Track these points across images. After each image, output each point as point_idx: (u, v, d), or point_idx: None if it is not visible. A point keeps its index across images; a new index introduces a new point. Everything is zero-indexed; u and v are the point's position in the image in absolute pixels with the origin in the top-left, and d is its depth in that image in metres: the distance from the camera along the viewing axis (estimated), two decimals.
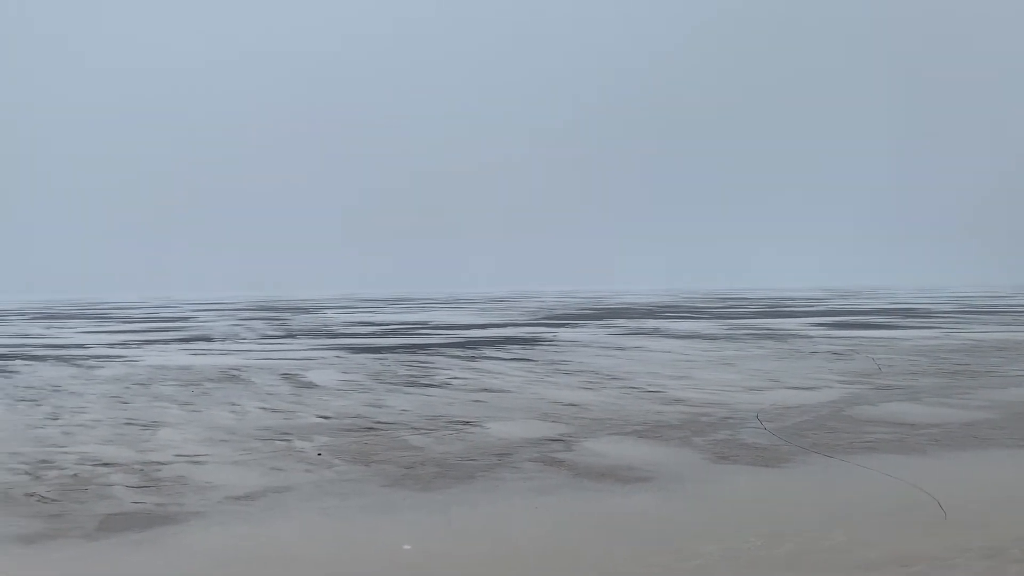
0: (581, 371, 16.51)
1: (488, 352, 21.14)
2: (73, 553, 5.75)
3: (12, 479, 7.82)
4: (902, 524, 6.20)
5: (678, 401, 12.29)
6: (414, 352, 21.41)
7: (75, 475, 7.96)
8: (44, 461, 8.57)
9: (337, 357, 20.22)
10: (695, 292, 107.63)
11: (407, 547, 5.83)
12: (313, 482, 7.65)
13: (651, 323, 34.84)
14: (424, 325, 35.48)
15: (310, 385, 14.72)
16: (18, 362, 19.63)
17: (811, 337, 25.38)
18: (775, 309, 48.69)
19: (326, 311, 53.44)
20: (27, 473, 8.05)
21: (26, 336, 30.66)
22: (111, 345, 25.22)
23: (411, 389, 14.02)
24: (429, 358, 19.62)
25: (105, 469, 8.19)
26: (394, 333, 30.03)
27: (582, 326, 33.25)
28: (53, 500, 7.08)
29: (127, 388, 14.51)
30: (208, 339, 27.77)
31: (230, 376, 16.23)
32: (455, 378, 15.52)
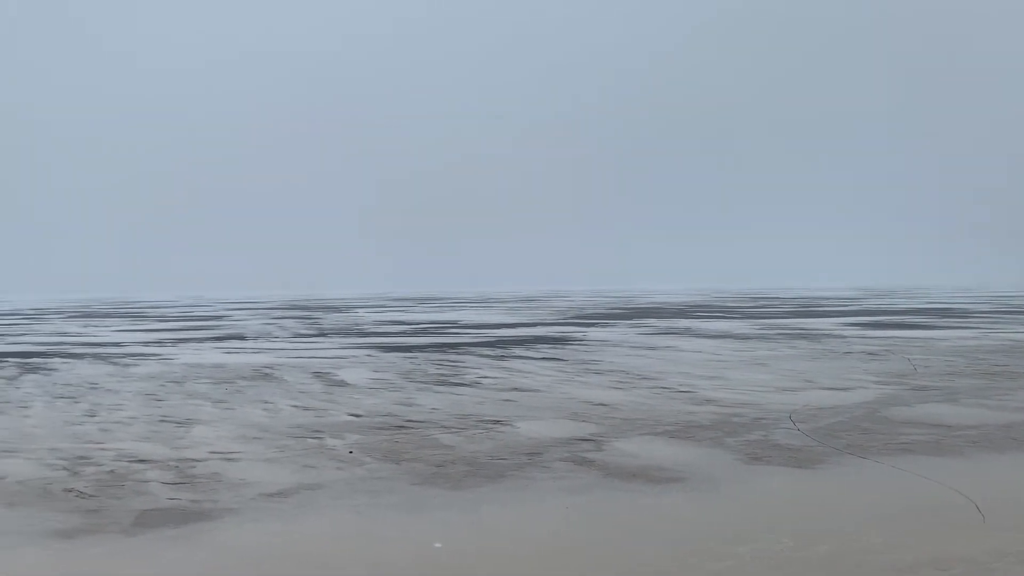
0: (611, 371, 16.46)
1: (518, 351, 21.15)
2: (110, 548, 5.85)
3: (51, 475, 7.97)
4: (938, 527, 6.10)
5: (710, 401, 12.20)
6: (444, 351, 21.48)
7: (112, 471, 8.09)
8: (82, 457, 8.72)
9: (368, 356, 20.35)
10: (726, 291, 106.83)
11: (438, 545, 5.85)
12: (344, 480, 7.71)
13: (682, 323, 34.64)
14: (454, 324, 35.60)
15: (341, 383, 14.83)
16: (56, 360, 20.00)
17: (845, 337, 25.07)
18: (808, 309, 48.16)
19: (357, 310, 53.80)
20: (65, 469, 8.20)
21: (64, 334, 31.23)
22: (146, 343, 25.60)
23: (441, 388, 14.07)
24: (459, 357, 19.68)
25: (141, 466, 8.32)
26: (424, 332, 30.16)
27: (612, 326, 33.14)
28: (91, 496, 7.21)
29: (162, 386, 14.72)
30: (241, 337, 28.09)
31: (263, 374, 16.40)
32: (485, 377, 15.55)
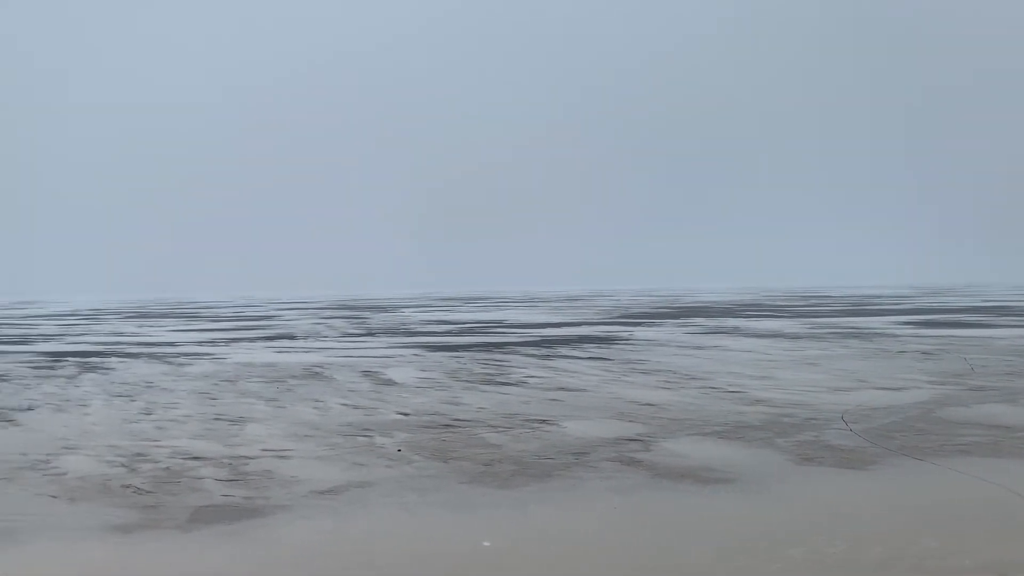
0: (659, 370, 16.35)
1: (563, 351, 21.12)
2: (167, 544, 5.99)
3: (110, 471, 8.19)
4: (997, 530, 5.94)
5: (760, 401, 12.05)
6: (490, 350, 21.55)
7: (168, 468, 8.28)
8: (139, 454, 8.95)
9: (415, 355, 20.51)
10: (775, 290, 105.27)
11: (486, 544, 5.88)
12: (394, 478, 7.78)
13: (731, 322, 34.24)
14: (499, 324, 35.67)
15: (389, 382, 14.97)
16: (114, 359, 20.52)
17: (898, 336, 24.54)
18: (860, 307, 47.24)
19: (403, 310, 54.23)
20: (123, 466, 8.42)
21: (120, 335, 32.02)
22: (200, 343, 26.13)
23: (487, 387, 14.11)
24: (505, 356, 19.72)
25: (196, 463, 8.50)
26: (470, 332, 30.28)
27: (658, 325, 32.90)
28: (148, 492, 7.39)
29: (216, 385, 15.02)
30: (291, 337, 28.52)
31: (313, 373, 16.63)
32: (531, 376, 15.56)
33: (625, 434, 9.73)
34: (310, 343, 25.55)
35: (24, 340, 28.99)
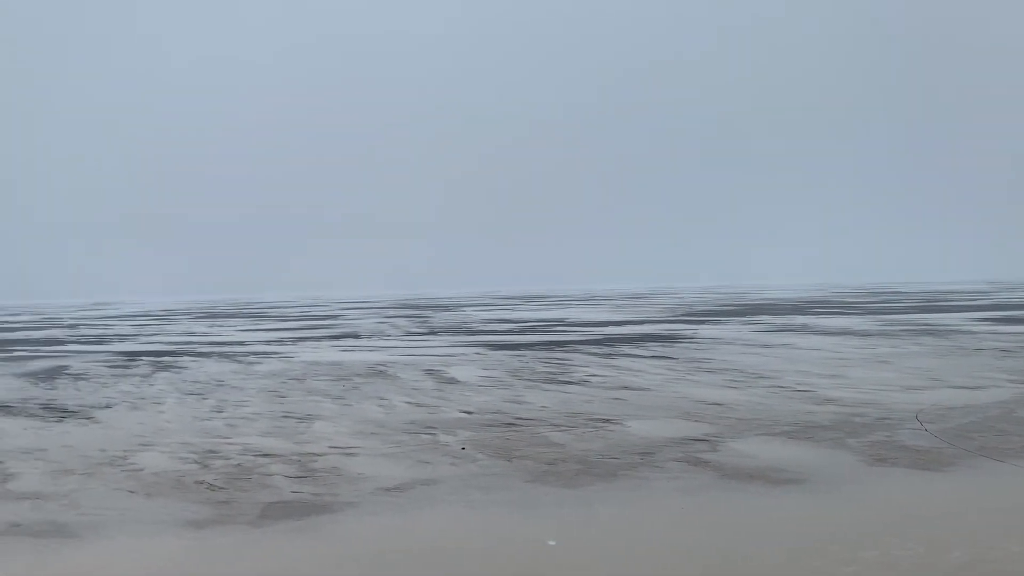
0: (725, 369, 16.10)
1: (626, 349, 20.97)
2: (239, 539, 6.13)
3: (184, 467, 8.42)
4: None
5: (830, 401, 11.77)
6: (551, 349, 21.52)
7: (239, 465, 8.47)
8: (211, 451, 9.18)
9: (477, 354, 20.60)
10: (845, 286, 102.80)
11: (552, 543, 5.86)
12: (458, 476, 7.82)
13: (799, 319, 33.54)
14: (561, 322, 35.60)
15: (452, 381, 15.06)
16: (186, 358, 21.11)
17: (975, 333, 23.70)
18: (933, 303, 45.80)
19: (465, 309, 54.56)
20: (196, 462, 8.65)
21: (192, 334, 32.93)
22: (268, 342, 26.71)
23: (549, 386, 14.09)
24: (566, 355, 19.66)
25: (265, 459, 8.68)
26: (531, 330, 30.29)
27: (724, 323, 32.42)
28: (220, 488, 7.57)
29: (284, 383, 15.32)
30: (356, 336, 28.93)
31: (377, 372, 16.84)
32: (593, 375, 15.48)
33: (691, 434, 9.60)
34: (374, 342, 25.89)
35: (101, 340, 30.05)
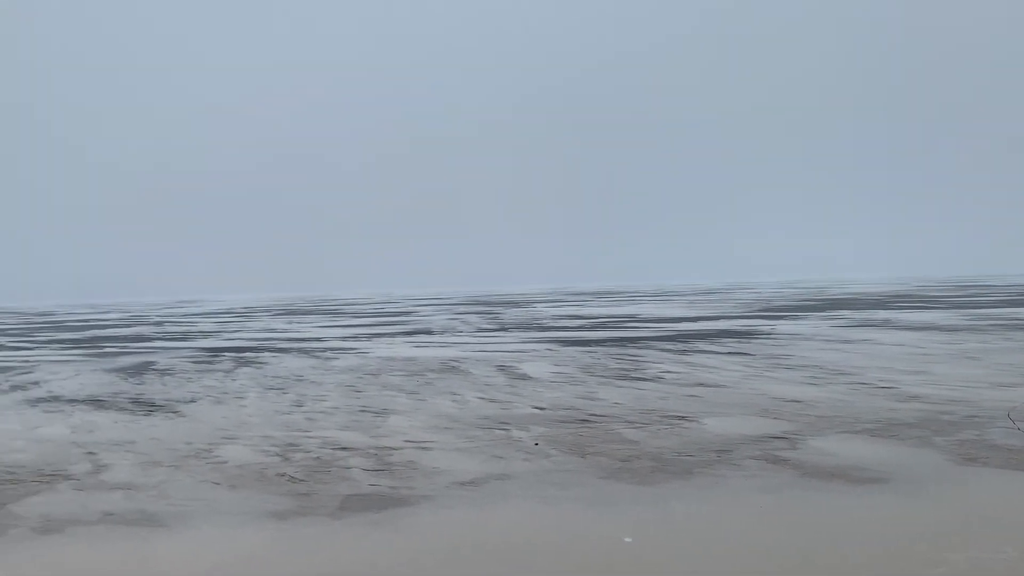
0: (804, 366, 15.73)
1: (701, 345, 20.67)
2: (320, 530, 6.27)
3: (266, 460, 8.65)
4: None
5: (914, 398, 11.38)
6: (623, 345, 21.36)
7: (318, 458, 8.67)
8: (291, 444, 9.41)
9: (548, 350, 20.60)
10: (929, 280, 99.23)
11: (628, 540, 5.83)
12: (532, 471, 7.84)
13: (880, 314, 32.53)
14: (632, 318, 35.31)
15: (524, 377, 15.10)
16: (266, 354, 21.69)
17: None
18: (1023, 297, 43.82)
19: (536, 305, 54.60)
20: (278, 455, 8.88)
21: (272, 331, 33.80)
22: (344, 338, 27.23)
23: (622, 382, 13.99)
24: (639, 351, 19.50)
25: (344, 453, 8.86)
26: (602, 326, 30.12)
27: (802, 318, 31.66)
28: (300, 480, 7.76)
29: (360, 378, 15.60)
30: (429, 332, 29.26)
31: (450, 367, 17.00)
32: (667, 372, 15.31)
33: (769, 431, 9.41)
34: (446, 338, 26.13)
35: (185, 337, 31.10)
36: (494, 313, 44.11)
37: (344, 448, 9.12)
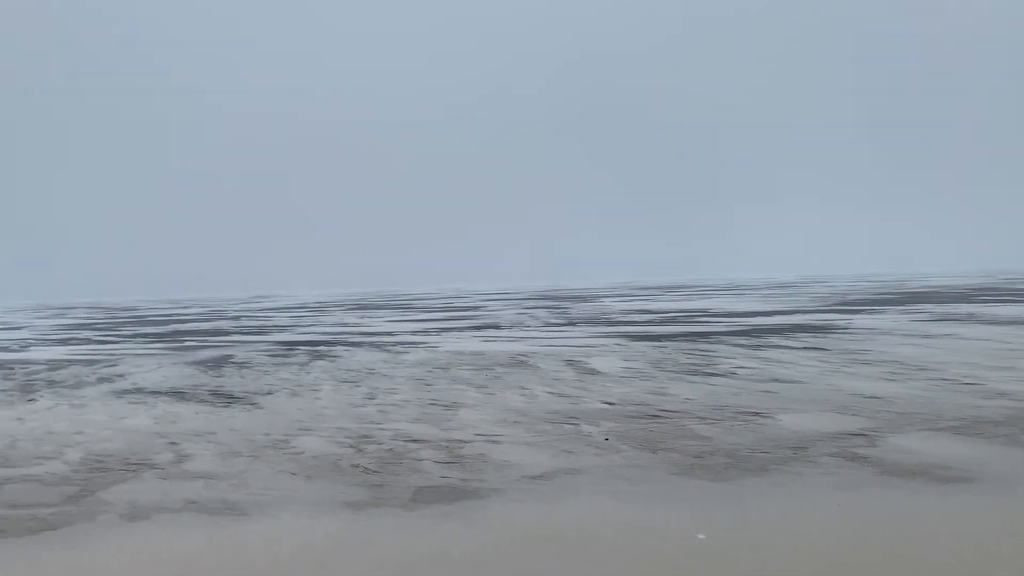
0: (883, 361, 15.28)
1: (775, 340, 20.26)
2: (393, 521, 6.37)
3: (340, 451, 8.82)
4: None
5: (1002, 395, 10.94)
6: (695, 340, 21.08)
7: (391, 450, 8.80)
8: (365, 436, 9.57)
9: (617, 344, 20.47)
10: (1016, 272, 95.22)
11: (701, 537, 5.76)
12: (602, 466, 7.81)
13: (964, 308, 31.36)
14: (703, 312, 34.82)
15: (593, 371, 15.04)
16: (339, 348, 22.11)
17: None
18: None
19: (604, 299, 54.32)
20: (352, 447, 9.05)
21: (344, 325, 34.43)
22: (414, 332, 27.56)
23: (694, 378, 13.81)
24: (711, 346, 19.22)
25: (415, 445, 8.97)
26: (673, 321, 29.79)
27: (881, 312, 30.74)
28: (374, 471, 7.89)
29: (430, 372, 15.77)
30: (497, 327, 29.39)
31: (519, 361, 17.05)
32: (740, 367, 15.05)
33: (847, 428, 9.18)
34: (515, 332, 26.21)
35: (261, 331, 31.92)
36: (562, 308, 44.05)
37: (416, 440, 9.23)
